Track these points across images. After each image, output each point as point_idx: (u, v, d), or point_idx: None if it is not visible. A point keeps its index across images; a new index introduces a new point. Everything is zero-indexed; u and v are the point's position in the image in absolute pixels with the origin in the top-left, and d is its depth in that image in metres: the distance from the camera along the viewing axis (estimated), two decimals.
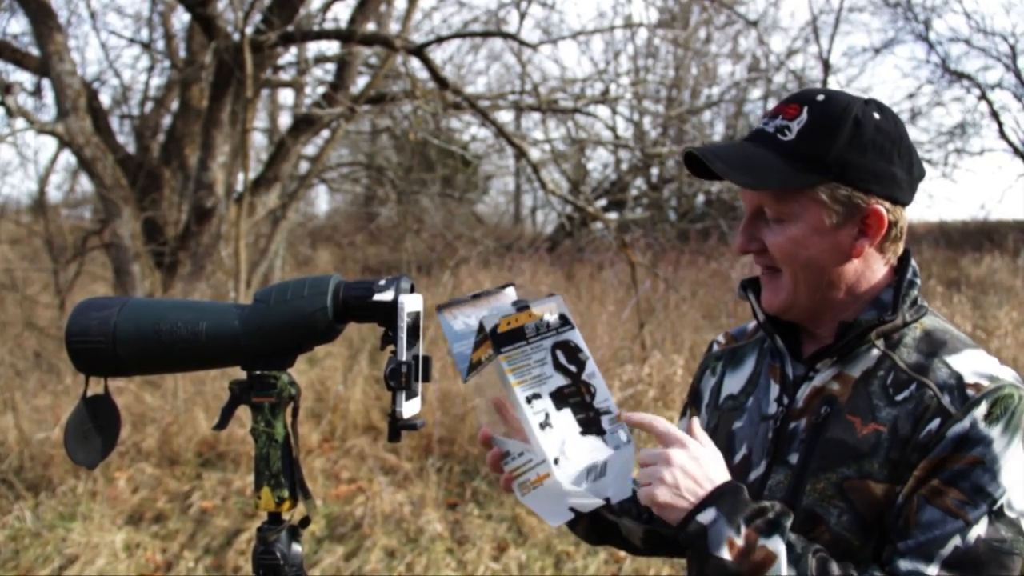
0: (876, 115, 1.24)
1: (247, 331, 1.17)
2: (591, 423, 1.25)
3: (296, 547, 1.20)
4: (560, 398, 1.22)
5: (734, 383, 1.43)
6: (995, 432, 1.14)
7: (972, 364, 1.20)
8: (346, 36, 7.83)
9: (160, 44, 10.23)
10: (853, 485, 1.20)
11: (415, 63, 8.08)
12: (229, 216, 7.87)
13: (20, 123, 7.30)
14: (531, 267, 9.96)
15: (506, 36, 8.18)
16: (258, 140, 13.06)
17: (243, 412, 1.22)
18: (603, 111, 12.34)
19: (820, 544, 1.18)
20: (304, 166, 10.87)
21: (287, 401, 1.20)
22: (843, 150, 1.21)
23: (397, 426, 1.16)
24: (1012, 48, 15.16)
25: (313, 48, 9.86)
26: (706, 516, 1.14)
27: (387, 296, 1.16)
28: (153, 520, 4.58)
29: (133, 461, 5.02)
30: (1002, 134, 15.70)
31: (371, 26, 8.72)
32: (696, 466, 1.17)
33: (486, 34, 9.36)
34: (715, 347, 1.53)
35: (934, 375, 1.20)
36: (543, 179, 7.48)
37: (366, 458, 5.10)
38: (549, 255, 11.65)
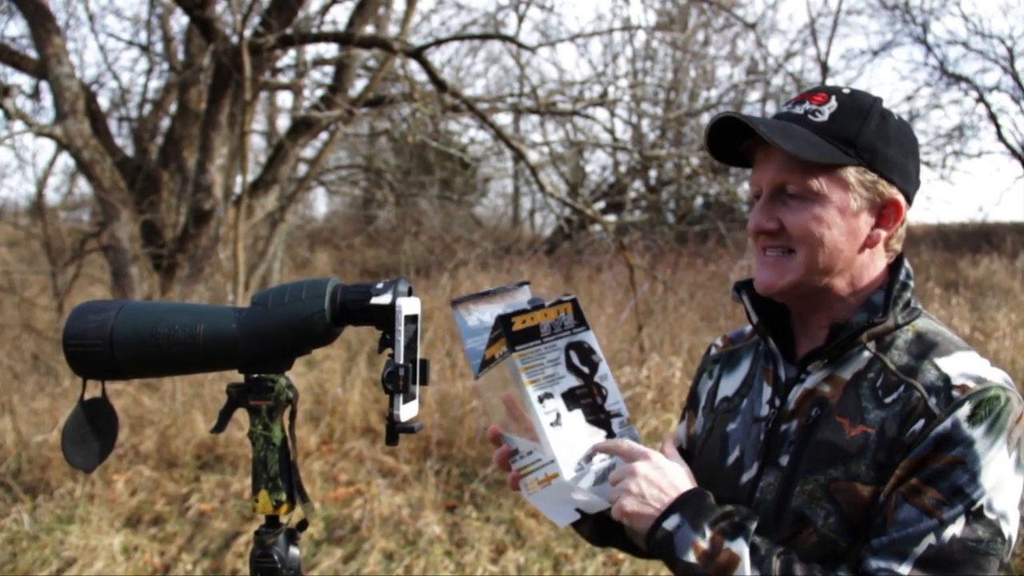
0: (895, 115, 1.28)
1: (245, 334, 1.17)
2: (601, 425, 1.25)
3: (294, 550, 1.20)
4: (572, 399, 1.22)
5: (729, 386, 1.44)
6: (977, 433, 1.14)
7: (961, 366, 1.20)
8: (344, 39, 7.84)
9: (159, 47, 10.23)
10: (840, 487, 1.20)
11: (413, 66, 8.09)
12: (227, 218, 7.87)
13: (18, 125, 7.31)
14: (530, 269, 9.96)
15: (504, 39, 8.18)
16: (256, 142, 13.07)
17: (241, 415, 1.22)
18: (601, 113, 12.37)
19: (808, 546, 1.19)
20: (302, 168, 10.87)
21: (285, 404, 1.20)
22: (872, 137, 1.24)
23: (395, 429, 1.16)
24: (1010, 51, 15.18)
25: (311, 51, 9.86)
26: (671, 522, 1.17)
27: (384, 299, 1.16)
28: (151, 523, 4.57)
29: (131, 464, 5.01)
30: (1000, 136, 15.72)
31: (369, 29, 8.73)
32: (660, 475, 1.21)
33: (484, 37, 9.37)
34: (713, 350, 1.54)
35: (923, 377, 1.20)
36: (541, 181, 7.48)
37: (364, 460, 5.10)
38: (548, 257, 11.65)
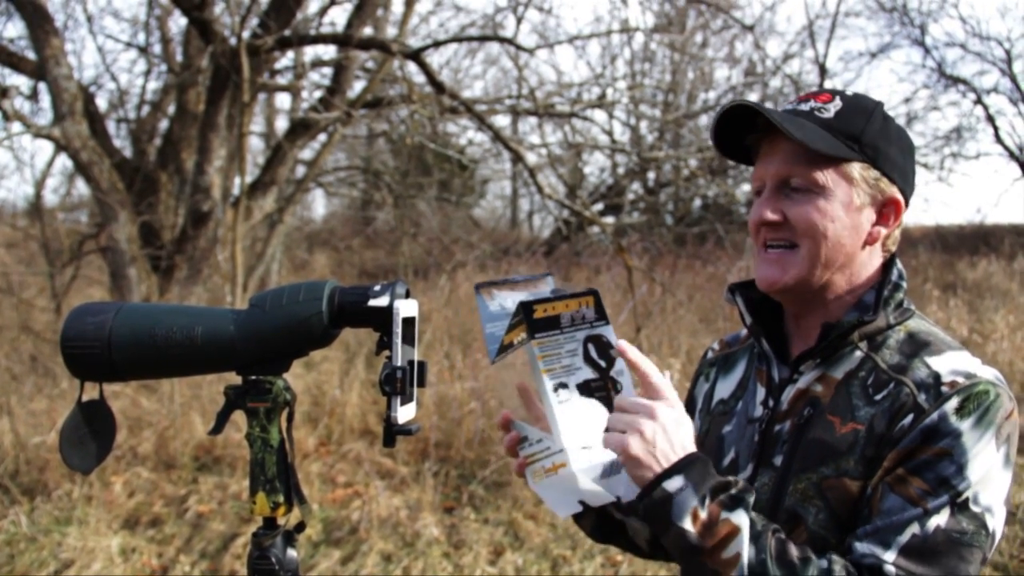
0: (894, 120, 1.31)
1: (243, 336, 1.17)
2: None
3: (291, 552, 1.20)
4: (586, 391, 1.22)
5: (725, 388, 1.45)
6: (965, 425, 1.14)
7: (952, 363, 1.21)
8: (343, 40, 7.84)
9: (157, 48, 10.23)
10: (830, 484, 1.20)
11: (412, 67, 8.10)
12: (226, 220, 7.87)
13: (16, 127, 7.29)
14: (528, 271, 9.95)
15: (503, 40, 8.19)
16: (255, 144, 13.06)
17: (239, 417, 1.22)
18: (600, 115, 12.36)
19: (800, 543, 1.18)
20: (301, 170, 10.88)
21: (282, 406, 1.20)
22: (876, 136, 1.26)
23: (393, 431, 1.16)
24: (1007, 53, 15.23)
25: (310, 52, 9.86)
26: (673, 484, 1.11)
27: (382, 302, 1.16)
28: (149, 524, 4.57)
29: (129, 465, 5.01)
30: (998, 138, 15.77)
31: (368, 30, 8.73)
32: (676, 430, 1.15)
33: (483, 38, 9.37)
34: (709, 354, 1.55)
35: (913, 374, 1.20)
36: (540, 183, 7.48)
37: (362, 462, 5.10)
38: (546, 259, 11.66)
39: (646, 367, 1.17)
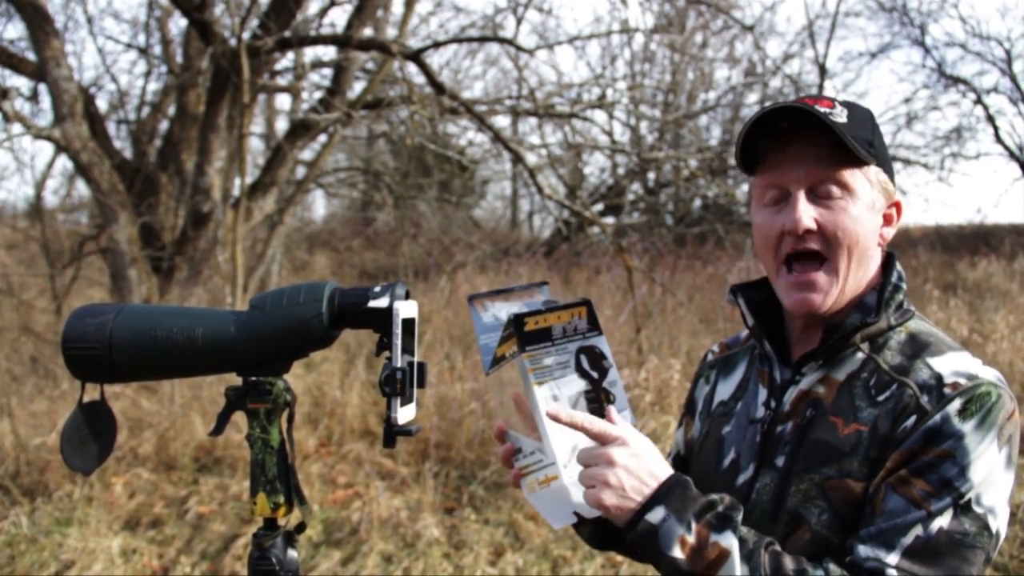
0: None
1: (243, 337, 1.17)
2: None
3: (292, 553, 1.21)
4: (578, 402, 1.22)
5: (725, 390, 1.45)
6: (967, 427, 1.15)
7: (953, 364, 1.21)
8: (343, 41, 7.84)
9: (157, 49, 10.24)
10: (834, 484, 1.20)
11: (412, 68, 8.10)
12: (226, 221, 7.87)
13: (17, 128, 7.28)
14: (528, 271, 9.96)
15: (503, 41, 8.19)
16: (255, 145, 13.08)
17: (239, 417, 1.22)
18: (600, 116, 12.34)
19: (801, 544, 1.19)
20: (301, 171, 10.87)
21: (283, 407, 1.20)
22: (878, 142, 1.28)
23: (393, 432, 1.16)
24: (1007, 53, 15.23)
25: (310, 53, 9.87)
26: (655, 515, 1.12)
27: (382, 303, 1.16)
28: (150, 525, 4.57)
29: (130, 466, 5.01)
30: (998, 138, 15.76)
31: (368, 31, 8.74)
32: (639, 463, 1.15)
33: (483, 39, 9.36)
34: (709, 356, 1.55)
35: (915, 375, 1.21)
36: (540, 184, 7.48)
37: (363, 463, 5.10)
38: (546, 259, 11.66)
39: (582, 420, 1.17)
